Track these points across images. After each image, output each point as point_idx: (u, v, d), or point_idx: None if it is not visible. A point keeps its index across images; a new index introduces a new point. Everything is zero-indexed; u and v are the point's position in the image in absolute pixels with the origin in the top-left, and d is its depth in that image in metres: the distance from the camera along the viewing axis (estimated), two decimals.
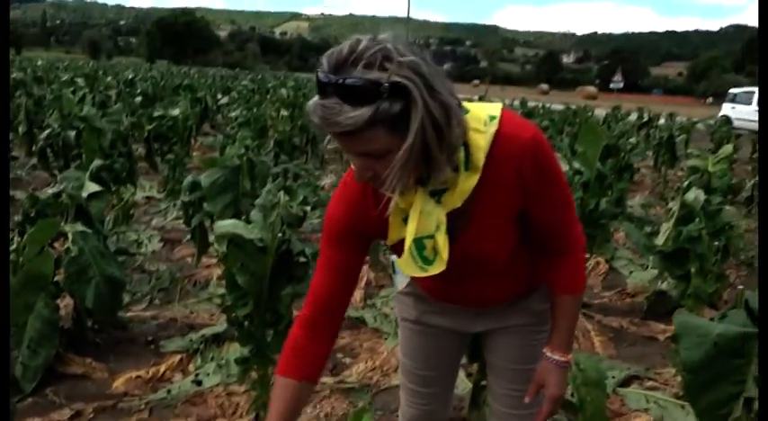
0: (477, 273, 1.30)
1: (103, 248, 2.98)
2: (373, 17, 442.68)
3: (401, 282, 1.48)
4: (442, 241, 1.14)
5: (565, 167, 3.84)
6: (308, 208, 1.98)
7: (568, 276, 1.30)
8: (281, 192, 2.15)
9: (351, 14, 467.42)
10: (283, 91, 14.93)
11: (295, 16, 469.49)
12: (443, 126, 1.00)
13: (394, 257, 1.38)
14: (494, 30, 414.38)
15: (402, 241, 1.18)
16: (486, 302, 1.41)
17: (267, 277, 2.05)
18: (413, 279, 1.43)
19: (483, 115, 1.12)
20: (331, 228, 1.25)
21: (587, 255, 4.01)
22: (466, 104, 1.12)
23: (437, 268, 1.16)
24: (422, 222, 1.13)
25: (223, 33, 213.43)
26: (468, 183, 1.12)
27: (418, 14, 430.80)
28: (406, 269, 1.18)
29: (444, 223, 1.14)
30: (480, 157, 1.10)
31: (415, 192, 1.12)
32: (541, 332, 1.41)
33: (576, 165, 3.75)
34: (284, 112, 8.65)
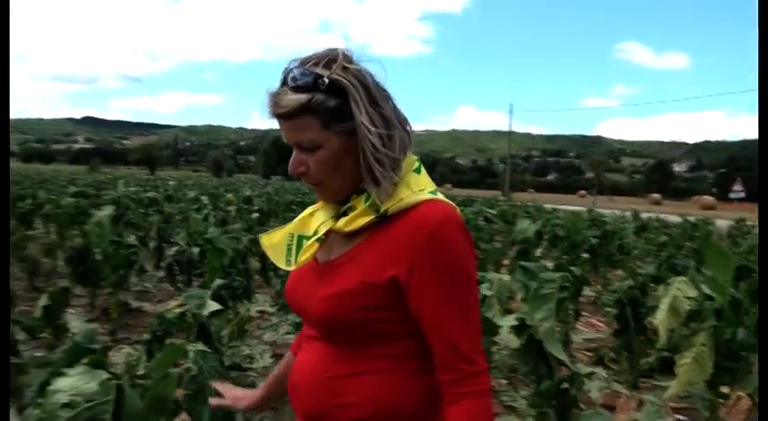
0: (320, 331, 1.18)
1: (220, 367, 3.06)
2: (474, 131, 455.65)
3: None
4: (309, 245, 1.15)
5: (692, 292, 3.57)
6: None
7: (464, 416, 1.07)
8: None
9: (453, 130, 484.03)
10: None
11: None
12: (384, 135, 1.07)
13: None
14: (598, 140, 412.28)
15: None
16: (306, 407, 1.18)
17: None
18: None
19: (427, 187, 1.15)
20: None
21: (726, 390, 3.61)
22: (423, 171, 1.18)
23: (290, 266, 1.20)
24: (305, 222, 1.21)
25: None
26: (361, 218, 1.12)
27: (520, 128, 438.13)
28: (272, 255, 1.22)
29: (322, 232, 1.16)
30: (387, 205, 1.10)
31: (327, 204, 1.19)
32: None
33: (706, 290, 3.48)
34: None
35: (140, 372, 2.07)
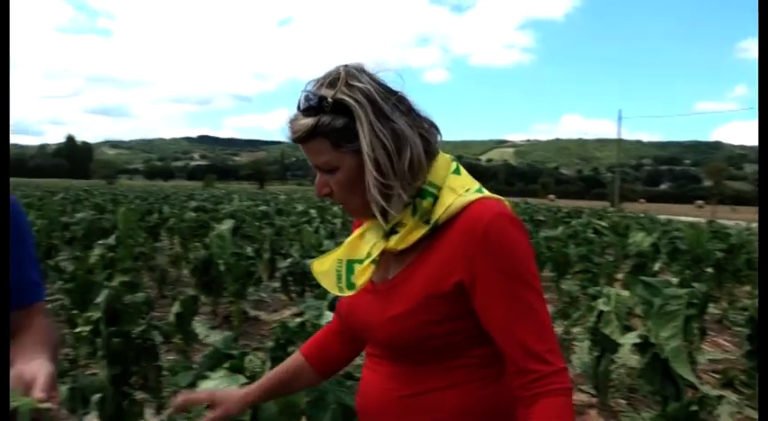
0: (387, 350, 1.14)
1: (339, 376, 3.17)
2: (579, 140, 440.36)
3: None
4: (364, 268, 1.12)
5: None
6: None
7: (544, 417, 1.00)
8: None
9: (557, 139, 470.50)
10: None
11: (500, 143, 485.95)
12: (392, 151, 1.03)
13: None
14: (716, 146, 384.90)
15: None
16: (380, 414, 1.15)
17: None
18: None
19: (471, 185, 1.12)
20: None
21: None
22: (462, 170, 1.14)
23: (349, 292, 1.14)
24: (355, 245, 1.16)
25: None
26: (415, 233, 1.09)
27: (629, 136, 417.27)
28: (324, 282, 1.18)
29: (377, 253, 1.11)
30: (438, 212, 1.07)
31: (372, 222, 1.14)
32: None
33: None
34: None
35: None
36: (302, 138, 1.07)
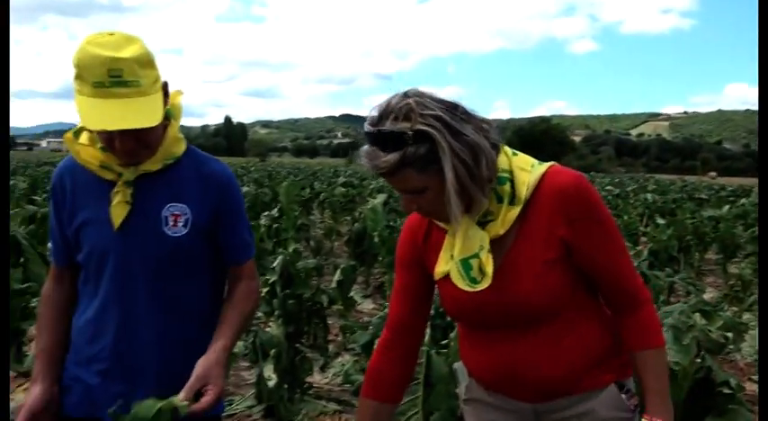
0: (520, 322, 1.24)
1: None
2: (746, 111, 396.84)
3: (462, 388, 1.44)
4: (486, 258, 1.20)
5: None
6: (729, 333, 1.83)
7: (642, 330, 1.24)
8: (697, 314, 2.05)
9: (719, 110, 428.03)
10: (648, 196, 14.27)
11: (653, 116, 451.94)
12: (471, 164, 1.13)
13: (456, 365, 1.45)
14: None
15: (446, 279, 1.26)
16: (542, 384, 1.26)
17: (681, 405, 1.95)
18: (465, 363, 1.40)
19: (532, 161, 1.24)
20: (397, 257, 1.40)
21: None
22: (516, 151, 1.25)
23: (484, 284, 1.20)
24: (466, 243, 1.21)
25: (577, 138, 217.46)
26: (511, 213, 1.20)
27: None
28: (458, 282, 1.22)
29: (487, 244, 1.20)
30: (523, 191, 1.19)
31: (461, 220, 1.20)
32: None
33: None
34: (660, 220, 8.22)
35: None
36: (389, 172, 1.14)
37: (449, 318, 3.37)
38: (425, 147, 1.11)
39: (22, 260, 3.85)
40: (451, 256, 1.25)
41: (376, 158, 1.13)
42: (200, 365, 1.30)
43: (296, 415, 3.42)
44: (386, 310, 1.47)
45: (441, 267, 1.28)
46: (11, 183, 14.20)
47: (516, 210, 1.20)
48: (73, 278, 1.48)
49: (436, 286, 1.36)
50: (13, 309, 3.08)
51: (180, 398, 1.23)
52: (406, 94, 1.14)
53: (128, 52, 1.24)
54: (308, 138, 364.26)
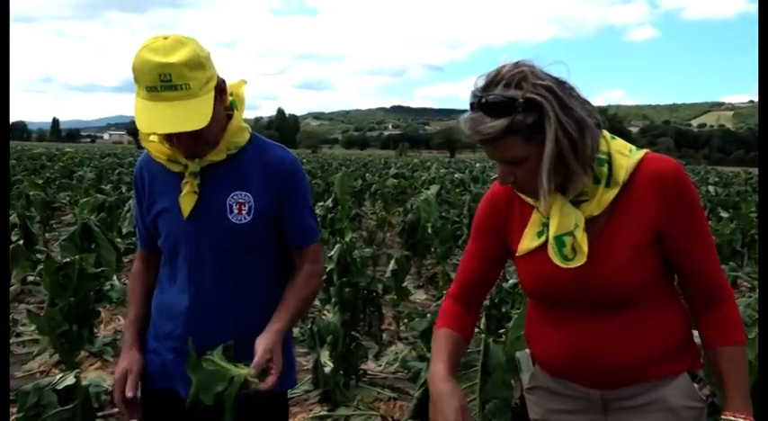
0: (601, 304, 1.24)
1: None
2: None
3: (525, 377, 1.42)
4: (581, 236, 1.19)
5: None
6: None
7: (726, 325, 1.24)
8: None
9: None
10: (710, 189, 13.77)
11: (715, 106, 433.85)
12: (576, 138, 1.12)
13: (519, 354, 1.44)
14: None
15: (529, 256, 1.27)
16: (615, 369, 1.24)
17: None
18: (533, 345, 1.40)
19: (630, 146, 1.24)
20: (475, 223, 1.41)
21: None
22: (614, 136, 1.24)
23: (578, 261, 1.20)
24: (562, 220, 1.21)
25: (635, 129, 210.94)
26: (607, 195, 1.20)
27: None
28: (554, 258, 1.21)
29: (582, 222, 1.20)
30: (621, 174, 1.19)
31: (555, 198, 1.21)
32: None
33: None
34: (723, 214, 7.94)
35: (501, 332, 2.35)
36: (494, 138, 1.13)
37: (503, 309, 3.40)
38: (533, 116, 1.11)
39: (94, 246, 4.07)
40: (537, 233, 1.26)
41: (481, 124, 1.12)
42: (262, 344, 1.37)
43: (351, 400, 3.49)
44: (440, 301, 1.51)
45: (526, 244, 1.29)
46: (78, 173, 14.89)
47: (613, 193, 1.20)
48: (156, 260, 1.59)
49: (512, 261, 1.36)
50: (87, 291, 3.26)
51: (251, 374, 1.31)
52: (517, 64, 1.14)
53: (177, 57, 1.29)
54: (358, 130, 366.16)
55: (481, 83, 1.15)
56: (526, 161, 1.16)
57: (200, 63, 1.33)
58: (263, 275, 1.52)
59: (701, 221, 1.23)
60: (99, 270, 3.27)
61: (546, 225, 1.24)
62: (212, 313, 1.46)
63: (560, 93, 1.12)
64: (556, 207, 1.22)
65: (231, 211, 1.44)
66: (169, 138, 1.39)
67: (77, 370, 2.01)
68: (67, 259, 3.11)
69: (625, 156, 1.21)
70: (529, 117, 1.11)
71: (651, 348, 1.24)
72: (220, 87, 1.40)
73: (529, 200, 1.29)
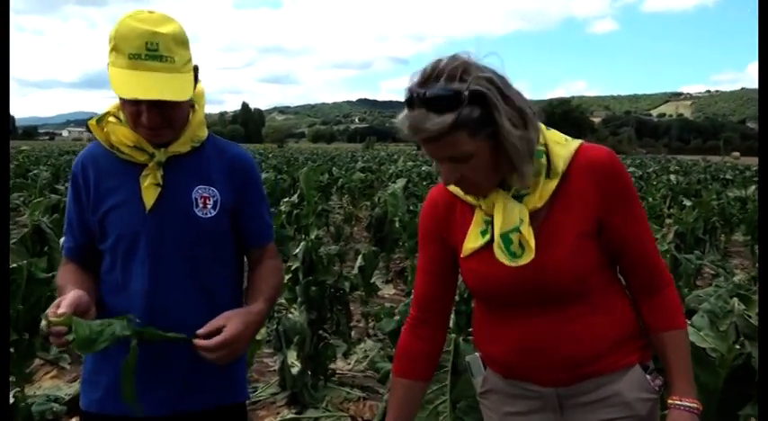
0: (548, 298, 1.21)
1: None
2: None
3: (478, 381, 1.38)
4: (527, 231, 1.17)
5: None
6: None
7: (667, 310, 1.25)
8: (735, 299, 1.99)
9: (743, 89, 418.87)
10: (672, 177, 14.05)
11: (674, 96, 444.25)
12: (521, 128, 1.11)
13: (469, 358, 1.39)
14: None
15: (474, 257, 1.23)
16: (571, 362, 1.22)
17: (718, 393, 1.89)
18: (483, 347, 1.35)
19: (564, 135, 1.24)
20: (420, 232, 1.37)
21: None
22: (548, 127, 1.23)
23: (527, 258, 1.17)
24: (506, 216, 1.18)
25: (597, 119, 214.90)
26: (548, 186, 1.18)
27: None
28: (501, 257, 1.18)
29: (527, 216, 1.18)
30: (560, 164, 1.18)
31: (497, 194, 1.19)
32: None
33: None
34: (686, 202, 8.08)
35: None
36: (440, 134, 1.08)
37: (473, 305, 3.36)
38: (479, 110, 1.07)
39: (46, 249, 3.88)
40: (481, 232, 1.22)
41: (425, 121, 1.07)
42: (225, 314, 1.32)
43: (320, 401, 3.42)
44: (410, 298, 1.43)
45: (470, 243, 1.25)
46: (34, 172, 14.39)
47: (554, 184, 1.19)
48: (87, 269, 1.43)
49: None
50: (38, 297, 3.09)
51: (200, 333, 1.28)
52: (455, 57, 1.10)
53: (166, 29, 1.28)
54: (324, 124, 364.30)
55: (419, 77, 1.10)
56: (472, 158, 1.12)
57: (184, 41, 1.32)
58: (225, 274, 1.47)
59: (638, 209, 1.24)
60: (50, 275, 3.09)
61: (489, 223, 1.22)
62: (174, 311, 1.37)
63: (501, 84, 1.10)
64: (499, 203, 1.19)
65: (197, 205, 1.38)
66: (137, 115, 1.30)
67: (17, 388, 1.87)
68: (14, 265, 2.93)
69: (561, 145, 1.21)
70: (475, 110, 1.07)
71: (599, 340, 1.23)
72: (195, 73, 1.38)
73: (469, 198, 1.25)
